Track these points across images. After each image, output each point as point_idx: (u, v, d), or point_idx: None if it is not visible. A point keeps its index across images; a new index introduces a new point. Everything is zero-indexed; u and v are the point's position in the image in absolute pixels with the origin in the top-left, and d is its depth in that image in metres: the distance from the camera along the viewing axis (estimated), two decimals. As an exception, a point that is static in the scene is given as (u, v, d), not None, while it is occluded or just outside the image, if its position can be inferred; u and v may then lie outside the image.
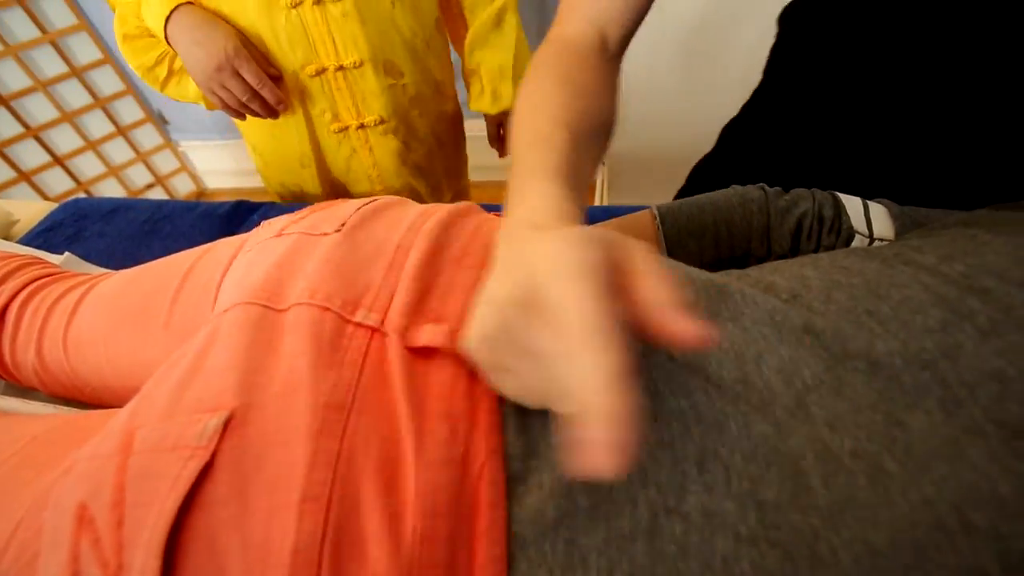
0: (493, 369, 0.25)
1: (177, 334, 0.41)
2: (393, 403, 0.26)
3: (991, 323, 0.23)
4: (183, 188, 2.13)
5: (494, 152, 0.94)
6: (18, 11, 1.52)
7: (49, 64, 1.64)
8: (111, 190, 1.94)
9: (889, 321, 0.24)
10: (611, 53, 0.44)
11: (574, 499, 0.24)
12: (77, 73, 1.70)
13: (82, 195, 1.85)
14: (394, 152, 0.80)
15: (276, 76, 0.69)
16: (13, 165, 1.68)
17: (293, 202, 0.85)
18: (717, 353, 0.25)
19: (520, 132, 0.35)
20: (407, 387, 0.26)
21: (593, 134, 0.36)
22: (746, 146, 0.67)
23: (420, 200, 0.87)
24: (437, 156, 0.88)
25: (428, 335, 0.28)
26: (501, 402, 0.27)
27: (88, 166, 1.85)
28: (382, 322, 0.30)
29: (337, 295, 0.31)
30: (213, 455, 0.24)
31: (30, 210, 0.87)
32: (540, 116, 0.34)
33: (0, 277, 0.52)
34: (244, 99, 0.66)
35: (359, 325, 0.30)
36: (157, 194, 2.06)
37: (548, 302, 0.19)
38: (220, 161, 2.06)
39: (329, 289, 0.31)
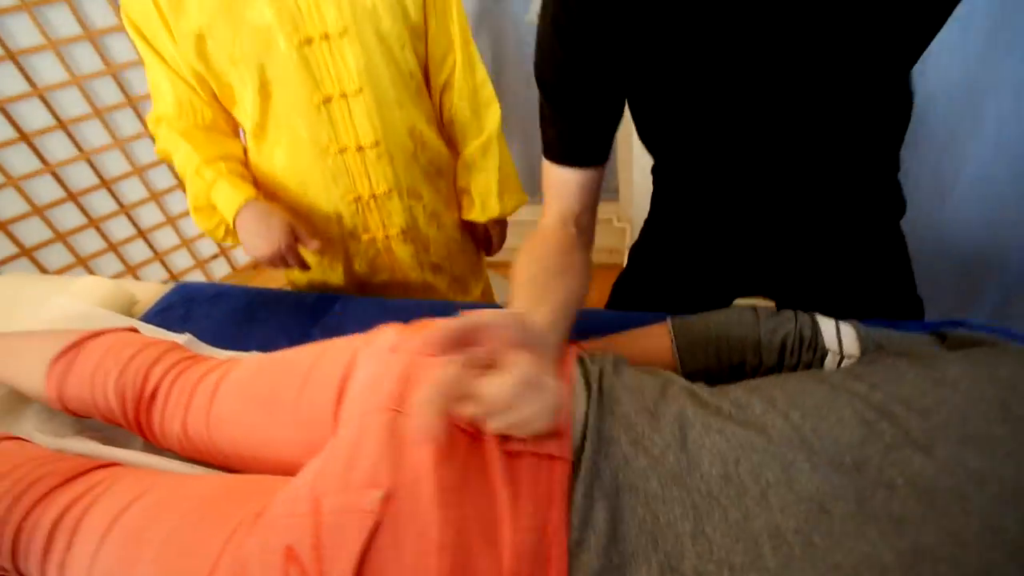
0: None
1: (303, 420, 0.54)
2: (493, 486, 0.38)
3: (893, 441, 0.34)
4: (220, 272, 2.32)
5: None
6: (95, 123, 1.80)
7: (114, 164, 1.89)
8: (155, 273, 2.13)
9: (825, 437, 0.35)
10: (581, 229, 0.65)
11: (610, 557, 0.35)
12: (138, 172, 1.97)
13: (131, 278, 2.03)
14: (412, 255, 0.99)
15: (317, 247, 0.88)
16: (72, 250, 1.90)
17: (322, 292, 1.01)
18: (708, 456, 0.37)
19: (516, 271, 0.55)
20: (504, 476, 0.38)
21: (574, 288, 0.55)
22: (650, 265, 0.85)
23: (437, 292, 1.04)
24: (456, 257, 1.06)
25: (518, 444, 0.41)
26: (568, 489, 0.39)
27: (137, 252, 2.06)
28: (476, 435, 0.42)
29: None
30: (379, 517, 0.36)
31: (147, 291, 1.04)
32: (526, 263, 0.55)
33: (154, 359, 0.67)
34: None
35: (463, 431, 0.42)
36: (197, 276, 2.25)
37: None
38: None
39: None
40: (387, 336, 0.54)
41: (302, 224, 0.88)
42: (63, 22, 1.59)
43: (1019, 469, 0.30)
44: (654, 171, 0.79)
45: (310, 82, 0.79)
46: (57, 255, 1.88)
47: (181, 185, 2.07)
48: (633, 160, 1.53)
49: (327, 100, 0.81)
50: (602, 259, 1.93)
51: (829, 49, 0.50)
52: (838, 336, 0.52)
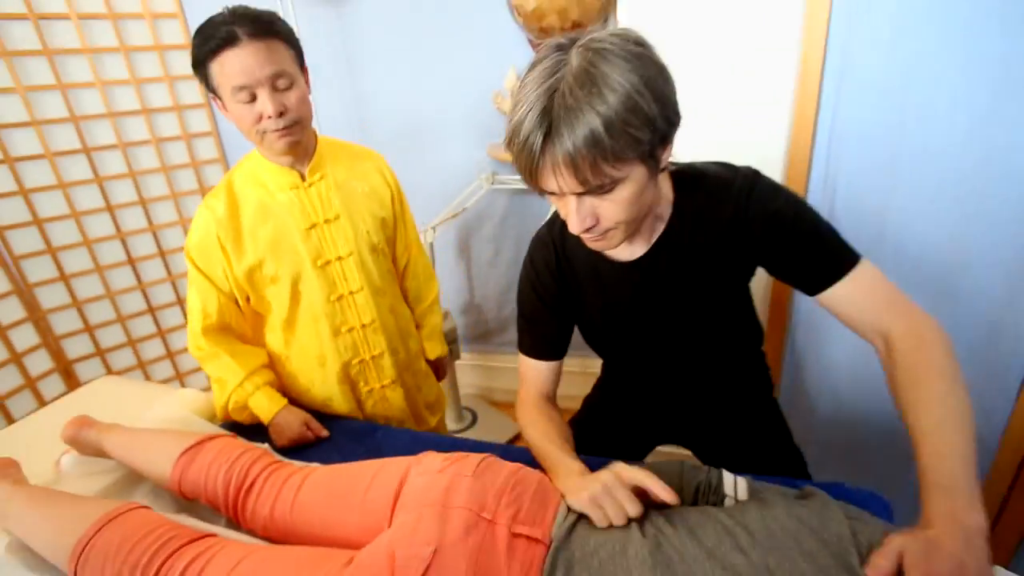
0: (591, 508, 0.63)
1: (367, 511, 0.77)
2: (499, 551, 0.61)
3: (733, 546, 0.57)
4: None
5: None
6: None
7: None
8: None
9: (706, 543, 0.59)
10: (551, 398, 0.97)
11: None
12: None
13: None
14: (402, 397, 1.29)
15: (325, 436, 1.15)
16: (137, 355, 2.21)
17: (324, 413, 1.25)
18: (635, 550, 0.60)
19: (537, 442, 0.86)
20: (507, 546, 0.62)
21: (566, 436, 0.87)
22: (597, 415, 1.15)
23: (423, 419, 1.37)
24: (429, 387, 1.40)
25: (519, 528, 0.64)
26: (543, 560, 0.62)
27: (162, 371, 2.36)
28: (493, 519, 0.66)
29: (476, 505, 0.68)
30: (430, 561, 0.59)
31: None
32: (542, 438, 0.86)
33: (253, 460, 0.91)
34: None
35: (485, 519, 0.66)
36: None
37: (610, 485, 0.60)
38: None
39: (472, 503, 0.68)
40: (434, 460, 0.79)
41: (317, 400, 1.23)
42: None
43: (794, 565, 0.53)
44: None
45: (328, 287, 1.13)
46: (124, 358, 2.19)
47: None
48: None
49: (339, 298, 1.15)
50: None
51: (679, 301, 0.87)
52: (735, 485, 0.76)
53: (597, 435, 1.10)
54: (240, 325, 1.16)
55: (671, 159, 0.72)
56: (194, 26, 0.94)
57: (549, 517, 0.67)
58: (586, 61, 0.60)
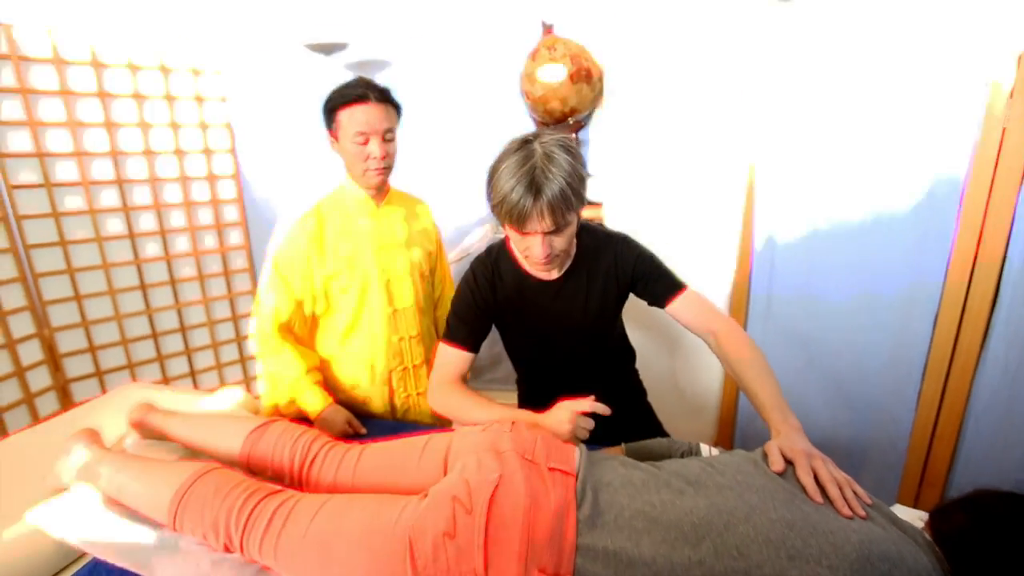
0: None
1: (421, 472, 0.96)
2: (544, 480, 0.82)
3: (711, 474, 0.81)
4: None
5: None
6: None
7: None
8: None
9: (688, 472, 0.82)
10: (463, 377, 1.23)
11: (593, 510, 0.79)
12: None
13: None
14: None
15: (363, 433, 1.33)
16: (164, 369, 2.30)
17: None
18: (641, 477, 0.83)
19: (473, 404, 1.14)
20: (549, 476, 0.83)
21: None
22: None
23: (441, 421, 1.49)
24: None
25: (555, 464, 0.86)
26: (574, 486, 0.83)
27: (207, 381, 2.48)
28: (533, 459, 0.87)
29: (520, 449, 0.88)
30: (498, 482, 0.79)
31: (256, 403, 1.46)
32: (478, 402, 1.15)
33: (314, 437, 1.08)
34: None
35: (527, 459, 0.87)
36: None
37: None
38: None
39: (517, 447, 0.89)
40: (473, 428, 1.00)
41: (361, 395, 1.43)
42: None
43: (752, 478, 0.79)
44: (517, 381, 1.45)
45: (387, 299, 1.37)
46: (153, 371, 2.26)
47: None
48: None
49: (395, 311, 1.40)
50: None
51: (577, 311, 1.20)
52: (710, 451, 1.01)
53: None
54: (301, 329, 1.36)
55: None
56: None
57: (572, 457, 0.89)
58: (546, 149, 0.97)
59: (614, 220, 1.78)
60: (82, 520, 0.95)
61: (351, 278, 1.33)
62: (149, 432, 1.19)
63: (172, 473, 0.96)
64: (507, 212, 0.99)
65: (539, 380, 1.36)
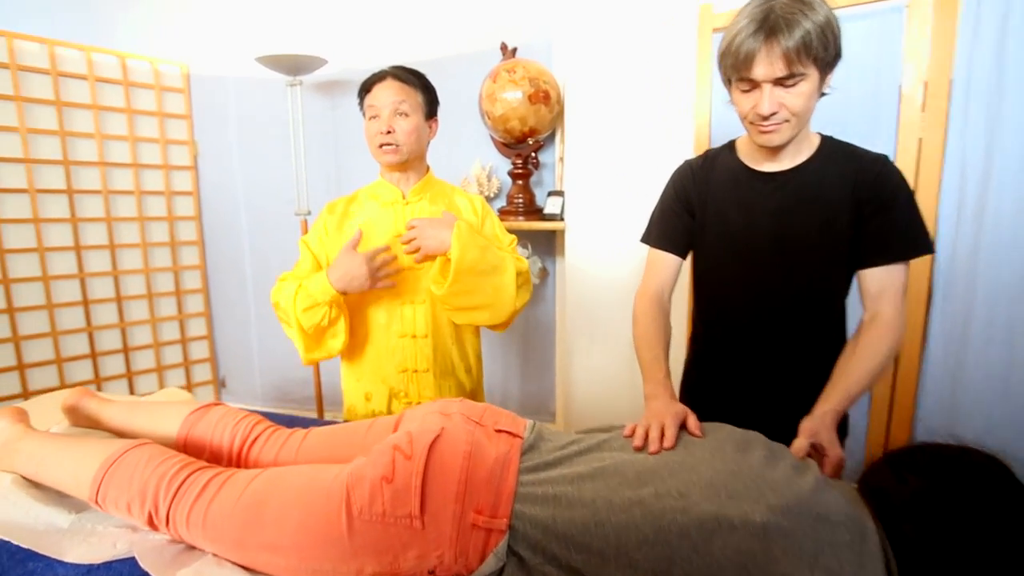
0: (641, 424, 0.84)
1: (369, 443, 0.92)
2: (488, 439, 0.80)
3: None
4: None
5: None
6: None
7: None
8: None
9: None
10: (667, 298, 1.08)
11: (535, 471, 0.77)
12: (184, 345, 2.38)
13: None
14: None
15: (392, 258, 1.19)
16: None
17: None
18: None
19: (638, 340, 1.03)
20: (494, 437, 0.81)
21: (667, 345, 1.03)
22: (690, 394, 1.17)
23: None
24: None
25: (503, 427, 0.85)
26: (520, 446, 0.82)
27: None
28: (480, 422, 0.86)
29: (467, 412, 0.87)
30: (439, 432, 0.77)
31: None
32: (643, 337, 1.03)
33: (258, 420, 1.04)
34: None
35: (474, 421, 0.85)
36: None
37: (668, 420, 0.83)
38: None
39: (463, 411, 0.87)
40: (426, 404, 0.98)
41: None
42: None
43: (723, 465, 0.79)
44: (691, 336, 1.20)
45: (395, 292, 1.24)
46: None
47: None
48: (568, 391, 2.08)
49: (403, 304, 1.25)
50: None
51: (796, 224, 0.95)
52: None
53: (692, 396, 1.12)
54: None
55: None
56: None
57: (521, 426, 0.87)
58: None
59: (576, 235, 1.83)
60: (-13, 502, 0.87)
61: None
62: (81, 418, 1.11)
63: (102, 445, 0.90)
64: (732, 55, 0.86)
65: (723, 327, 1.08)
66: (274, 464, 0.97)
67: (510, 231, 1.38)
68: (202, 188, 2.41)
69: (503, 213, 1.98)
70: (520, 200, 1.97)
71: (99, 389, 2.21)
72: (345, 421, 1.34)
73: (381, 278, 1.18)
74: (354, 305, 1.27)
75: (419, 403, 1.28)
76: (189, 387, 2.46)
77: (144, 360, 2.33)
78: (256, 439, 1.00)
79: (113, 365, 2.25)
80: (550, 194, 1.96)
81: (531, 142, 1.95)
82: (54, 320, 2.09)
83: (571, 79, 1.75)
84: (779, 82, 0.85)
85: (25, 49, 1.97)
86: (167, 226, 2.32)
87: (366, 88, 1.23)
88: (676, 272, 1.10)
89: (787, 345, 1.01)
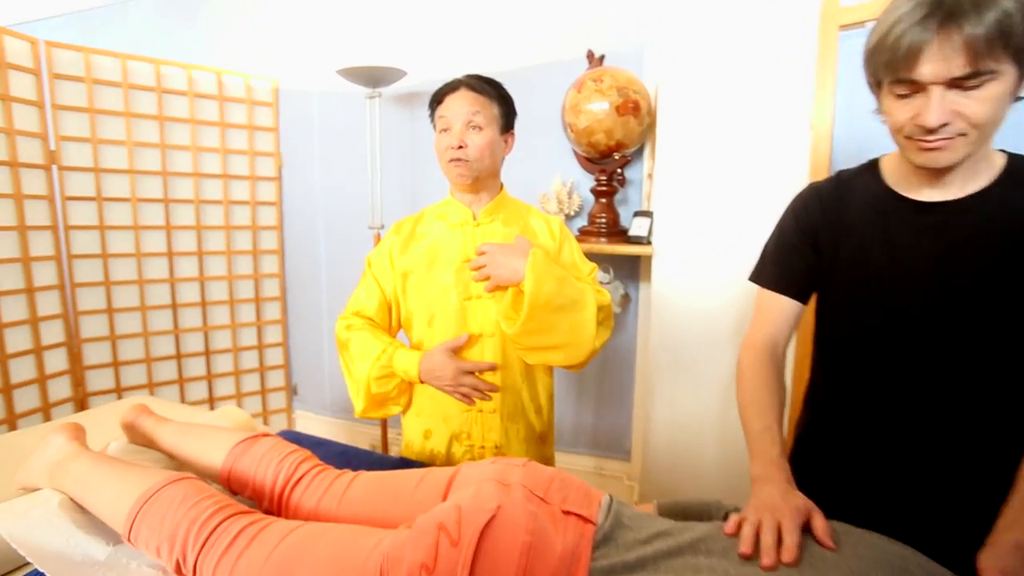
0: (748, 523, 0.64)
1: (418, 503, 0.81)
2: (553, 523, 0.66)
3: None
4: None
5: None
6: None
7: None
8: None
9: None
10: (781, 351, 0.88)
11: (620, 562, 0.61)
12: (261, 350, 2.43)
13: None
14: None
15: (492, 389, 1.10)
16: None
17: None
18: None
19: (746, 404, 0.82)
20: (560, 520, 0.67)
21: (782, 412, 0.81)
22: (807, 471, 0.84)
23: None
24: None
25: (571, 508, 0.70)
26: (592, 537, 0.66)
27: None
28: (545, 498, 0.71)
29: (530, 484, 0.73)
30: (495, 512, 0.64)
31: (260, 428, 1.34)
32: (752, 403, 0.82)
33: (305, 457, 0.96)
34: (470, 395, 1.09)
35: (538, 496, 0.71)
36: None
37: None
38: (319, 432, 2.56)
39: (526, 482, 0.74)
40: (483, 461, 0.85)
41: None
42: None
43: None
44: (806, 397, 0.97)
45: (462, 323, 1.12)
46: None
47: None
48: (647, 429, 1.89)
49: (471, 338, 1.12)
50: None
51: (967, 280, 0.72)
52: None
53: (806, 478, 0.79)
54: (384, 326, 1.20)
55: None
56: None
57: (595, 506, 0.72)
58: None
59: (665, 260, 1.64)
60: (33, 525, 0.84)
61: (425, 285, 1.14)
62: (138, 436, 1.09)
63: (142, 477, 0.85)
64: (889, 49, 0.66)
65: (855, 391, 0.84)
66: (314, 513, 0.88)
67: (590, 255, 1.23)
68: (285, 199, 2.46)
69: (583, 234, 1.83)
70: (603, 220, 1.81)
71: (181, 390, 2.29)
72: (402, 457, 1.24)
73: (465, 395, 1.11)
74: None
75: (482, 447, 1.16)
76: (263, 392, 2.50)
77: (223, 363, 2.39)
78: (299, 480, 0.92)
79: (195, 367, 2.33)
80: (636, 214, 1.78)
81: (617, 157, 1.79)
82: (146, 321, 2.20)
83: (664, 87, 1.57)
84: (955, 83, 0.64)
85: (135, 69, 2.09)
86: (251, 235, 2.39)
87: (437, 99, 1.13)
88: (794, 320, 0.90)
89: (947, 426, 0.77)
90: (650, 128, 1.75)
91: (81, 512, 0.87)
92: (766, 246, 0.94)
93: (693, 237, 1.57)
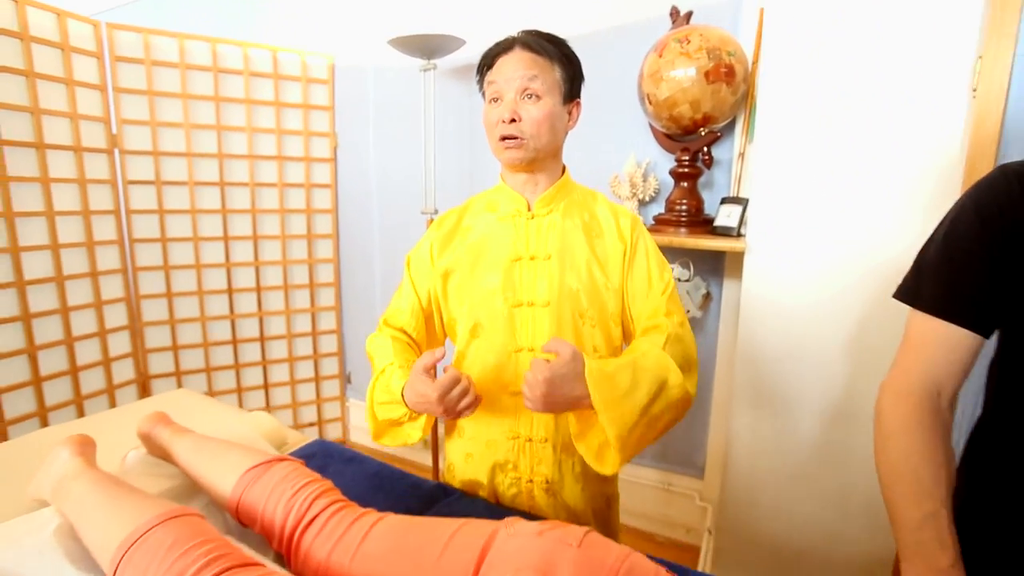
0: None
1: (442, 571, 0.65)
2: None
3: None
4: (333, 433, 2.55)
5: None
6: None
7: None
8: (285, 418, 2.40)
9: None
10: (947, 402, 0.63)
11: None
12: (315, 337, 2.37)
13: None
14: (549, 506, 0.97)
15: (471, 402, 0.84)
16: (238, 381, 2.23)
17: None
18: None
19: (902, 502, 0.59)
20: None
21: (951, 492, 0.58)
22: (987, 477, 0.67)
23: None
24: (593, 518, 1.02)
25: None
26: None
27: (280, 395, 2.39)
28: None
29: None
30: None
31: (293, 436, 1.23)
32: (921, 491, 0.58)
33: (321, 492, 0.82)
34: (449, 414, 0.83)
35: None
36: (312, 433, 2.48)
37: None
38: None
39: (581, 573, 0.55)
40: (528, 524, 0.67)
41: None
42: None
43: None
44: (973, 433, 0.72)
45: (509, 335, 0.94)
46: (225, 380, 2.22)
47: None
48: (728, 453, 1.64)
49: (519, 351, 0.95)
50: (679, 536, 1.90)
51: None
52: None
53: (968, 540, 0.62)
54: (419, 336, 1.03)
55: None
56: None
57: None
58: None
59: (760, 258, 1.37)
60: (25, 556, 0.75)
61: (468, 289, 0.97)
62: (155, 447, 1.01)
63: (139, 509, 0.74)
64: None
65: None
66: (325, 567, 0.73)
67: (666, 250, 0.98)
68: (340, 181, 2.36)
69: (658, 223, 1.58)
70: (683, 207, 1.55)
71: (237, 376, 2.28)
72: (440, 484, 1.09)
73: (460, 412, 0.85)
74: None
75: (530, 481, 0.98)
76: (317, 379, 2.46)
77: (278, 350, 2.36)
78: (312, 522, 0.78)
79: (251, 352, 2.31)
80: (724, 201, 1.51)
81: (704, 132, 1.52)
82: (203, 306, 2.18)
83: (769, 46, 1.28)
84: None
85: (192, 49, 2.04)
86: (305, 219, 2.31)
87: (487, 62, 0.92)
88: (969, 359, 0.64)
89: None
90: (745, 98, 1.46)
91: (76, 541, 0.77)
92: (924, 253, 0.69)
93: (797, 231, 1.29)
